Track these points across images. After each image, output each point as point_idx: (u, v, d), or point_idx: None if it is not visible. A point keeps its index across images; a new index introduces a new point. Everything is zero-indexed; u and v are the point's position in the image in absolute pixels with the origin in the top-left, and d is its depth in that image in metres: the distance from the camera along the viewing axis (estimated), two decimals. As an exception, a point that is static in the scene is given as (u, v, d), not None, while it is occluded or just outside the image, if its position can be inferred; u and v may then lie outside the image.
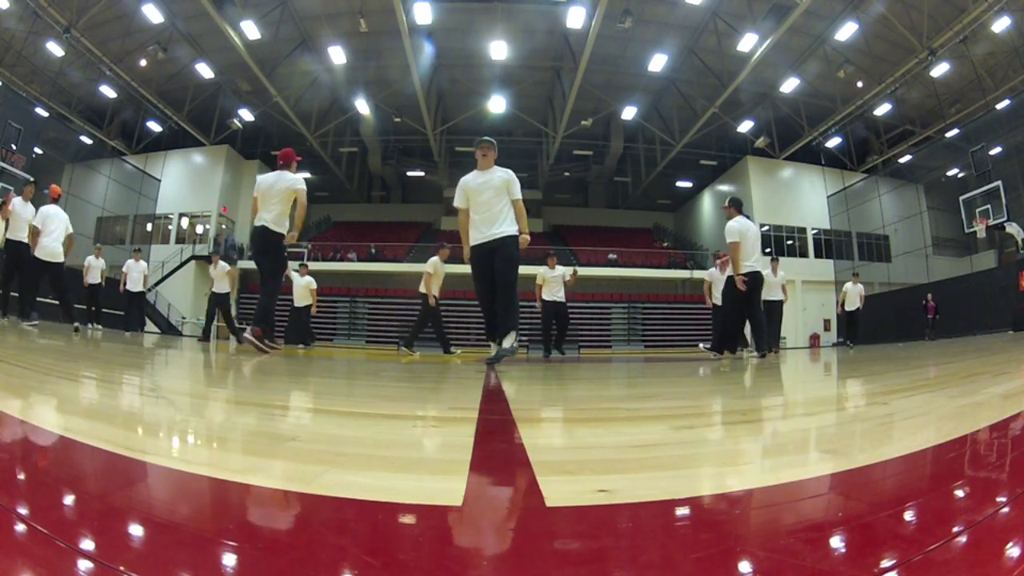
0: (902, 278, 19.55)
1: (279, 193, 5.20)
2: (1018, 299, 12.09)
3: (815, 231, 24.26)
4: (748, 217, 6.56)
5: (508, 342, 4.05)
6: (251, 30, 17.57)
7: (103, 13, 16.78)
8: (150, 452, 0.87)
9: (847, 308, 11.73)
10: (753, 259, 6.30)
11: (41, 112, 18.64)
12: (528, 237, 4.32)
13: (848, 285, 11.89)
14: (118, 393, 1.75)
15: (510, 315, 4.14)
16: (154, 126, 23.43)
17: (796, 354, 9.33)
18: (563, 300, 8.57)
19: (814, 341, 22.59)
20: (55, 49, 17.81)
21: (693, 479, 0.81)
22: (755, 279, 6.31)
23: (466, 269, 4.48)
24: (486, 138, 4.44)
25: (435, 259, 8.09)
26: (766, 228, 24.21)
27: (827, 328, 22.81)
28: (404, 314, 22.77)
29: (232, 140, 24.41)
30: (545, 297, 8.56)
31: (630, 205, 31.80)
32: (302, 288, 10.48)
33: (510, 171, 4.32)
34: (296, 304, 10.53)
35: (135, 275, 10.73)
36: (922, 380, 2.41)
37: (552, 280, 8.62)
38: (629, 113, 23.74)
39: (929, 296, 15.41)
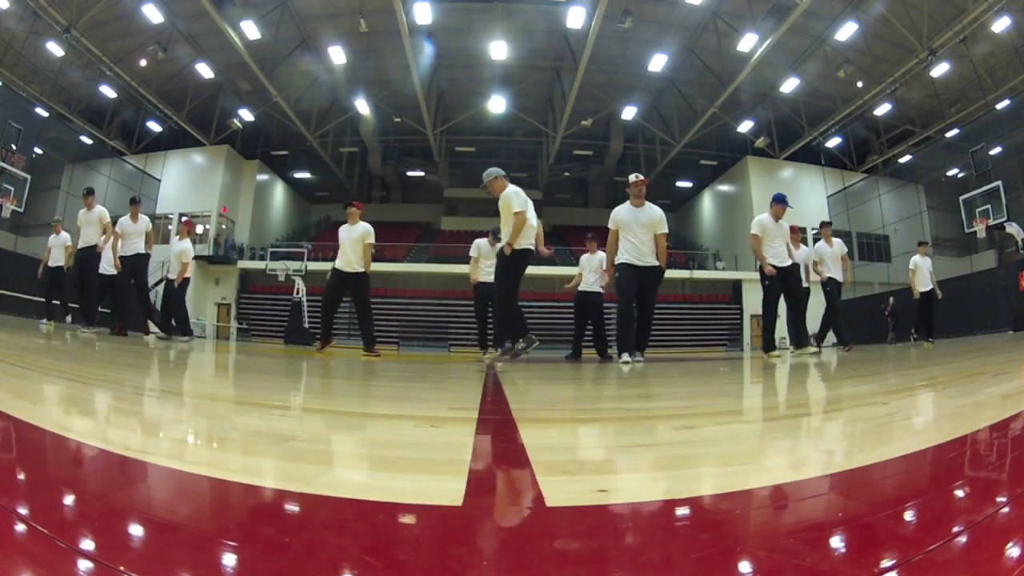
0: (902, 278, 19.51)
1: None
2: (1018, 299, 12.07)
3: (815, 231, 24.25)
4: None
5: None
6: (251, 30, 17.59)
7: (103, 13, 16.79)
8: (150, 452, 0.86)
9: (920, 289, 9.16)
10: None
11: (41, 112, 18.66)
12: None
13: (916, 258, 9.29)
14: (117, 393, 1.75)
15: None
16: (154, 126, 23.45)
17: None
18: (598, 291, 7.29)
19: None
20: (55, 49, 17.82)
21: (693, 479, 0.81)
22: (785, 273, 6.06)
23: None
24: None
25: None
26: (766, 228, 24.18)
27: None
28: (404, 314, 22.79)
29: (232, 140, 24.41)
30: (583, 288, 7.39)
31: (630, 205, 31.75)
32: (177, 256, 8.22)
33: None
34: (171, 276, 8.31)
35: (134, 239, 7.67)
36: (922, 380, 2.41)
37: (588, 267, 7.42)
38: (629, 113, 23.76)
39: (891, 300, 15.42)
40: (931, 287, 9.16)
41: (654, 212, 5.44)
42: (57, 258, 8.43)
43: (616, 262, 5.42)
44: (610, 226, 5.47)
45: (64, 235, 8.64)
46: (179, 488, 0.70)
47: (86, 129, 22.14)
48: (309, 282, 19.13)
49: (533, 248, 5.03)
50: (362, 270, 6.49)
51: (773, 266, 5.97)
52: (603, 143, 27.28)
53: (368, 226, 6.58)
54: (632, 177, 5.53)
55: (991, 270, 16.33)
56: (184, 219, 9.06)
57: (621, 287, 5.37)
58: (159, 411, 1.44)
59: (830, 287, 7.66)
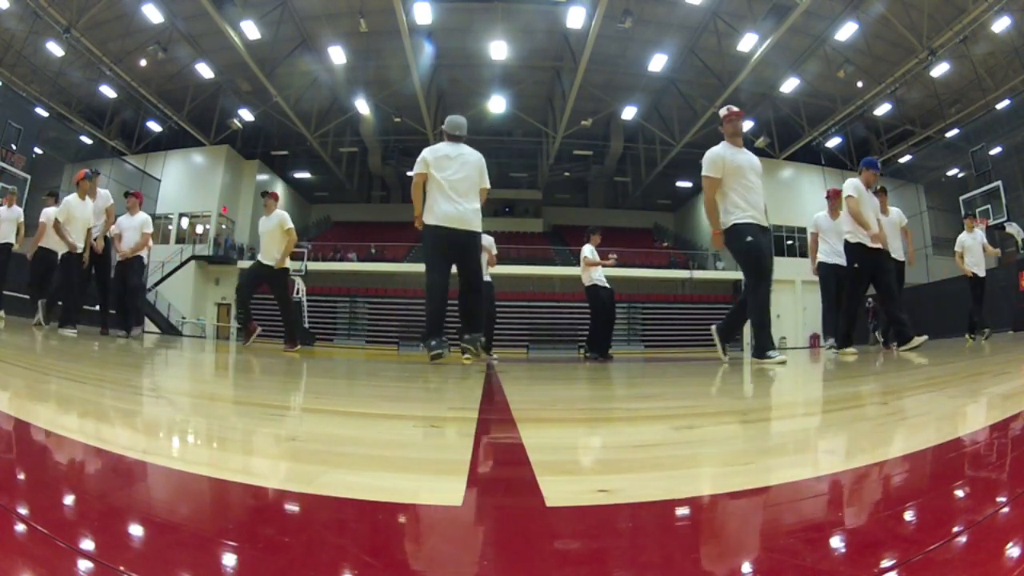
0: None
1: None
2: (1018, 299, 12.07)
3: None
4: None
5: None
6: (251, 30, 17.60)
7: (103, 13, 16.80)
8: (150, 452, 0.86)
9: (974, 272, 7.60)
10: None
11: (41, 112, 18.67)
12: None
13: (963, 237, 7.60)
14: (117, 393, 1.75)
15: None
16: (154, 126, 23.46)
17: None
18: (607, 286, 6.91)
19: (813, 341, 22.57)
20: (55, 49, 17.83)
21: (693, 479, 0.81)
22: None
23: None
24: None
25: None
26: (766, 228, 24.16)
27: (827, 328, 22.77)
28: (404, 314, 22.79)
29: (232, 140, 24.43)
30: (598, 281, 6.81)
31: (630, 205, 31.83)
32: (136, 230, 7.03)
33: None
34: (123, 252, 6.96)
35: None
36: (922, 380, 2.41)
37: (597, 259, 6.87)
38: (629, 113, 23.78)
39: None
40: (984, 272, 7.57)
41: (755, 157, 4.15)
42: (6, 234, 7.52)
43: (734, 221, 3.92)
44: (711, 173, 3.97)
45: (16, 210, 7.73)
46: (179, 488, 0.70)
47: (86, 129, 22.15)
48: (309, 282, 19.15)
49: (448, 226, 4.00)
50: (281, 264, 6.30)
51: (863, 244, 5.09)
52: (603, 143, 27.29)
53: (284, 213, 6.35)
54: (724, 111, 4.16)
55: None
56: (134, 191, 7.85)
57: (754, 253, 3.88)
58: (159, 411, 1.44)
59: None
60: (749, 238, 3.84)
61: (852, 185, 5.23)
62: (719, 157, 3.96)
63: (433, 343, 3.94)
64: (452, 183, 4.04)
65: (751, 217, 3.89)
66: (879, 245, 5.14)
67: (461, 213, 4.05)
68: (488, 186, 4.28)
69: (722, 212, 3.98)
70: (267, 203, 6.44)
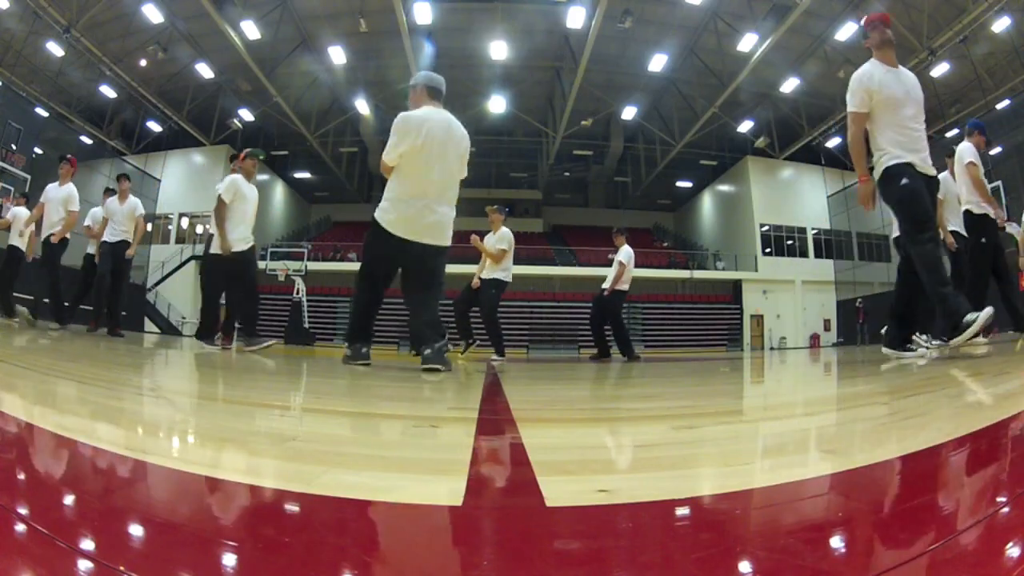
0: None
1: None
2: (1019, 299, 12.06)
3: (815, 231, 24.30)
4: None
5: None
6: (251, 30, 17.61)
7: (103, 13, 16.81)
8: (150, 452, 0.86)
9: None
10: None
11: (41, 112, 18.66)
12: None
13: None
14: (116, 393, 1.75)
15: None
16: (154, 126, 23.47)
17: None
18: (603, 289, 6.85)
19: (814, 341, 22.58)
20: (55, 49, 17.84)
21: (693, 479, 0.81)
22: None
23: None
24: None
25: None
26: (766, 228, 24.22)
27: (827, 328, 22.82)
28: (404, 314, 22.75)
29: (232, 140, 24.43)
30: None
31: (630, 205, 31.84)
32: (64, 203, 6.59)
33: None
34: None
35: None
36: (922, 380, 2.41)
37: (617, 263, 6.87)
38: (629, 113, 23.79)
39: (858, 301, 15.50)
40: None
41: (912, 76, 3.22)
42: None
43: (885, 164, 3.09)
44: (856, 108, 3.16)
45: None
46: (179, 488, 0.70)
47: (86, 129, 22.16)
48: (309, 282, 19.14)
49: (413, 240, 3.09)
50: (251, 245, 5.27)
51: (988, 215, 4.40)
52: (603, 143, 27.32)
53: (253, 187, 5.47)
54: (865, 19, 3.30)
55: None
56: (69, 157, 7.19)
57: (910, 196, 3.01)
58: (159, 411, 1.44)
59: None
60: (904, 180, 2.99)
61: (970, 151, 4.45)
62: (863, 86, 3.09)
63: (364, 350, 3.24)
64: (438, 168, 2.99)
65: (906, 156, 3.04)
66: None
67: (440, 220, 3.04)
68: (466, 174, 3.42)
69: (873, 153, 3.14)
70: (247, 170, 5.39)
